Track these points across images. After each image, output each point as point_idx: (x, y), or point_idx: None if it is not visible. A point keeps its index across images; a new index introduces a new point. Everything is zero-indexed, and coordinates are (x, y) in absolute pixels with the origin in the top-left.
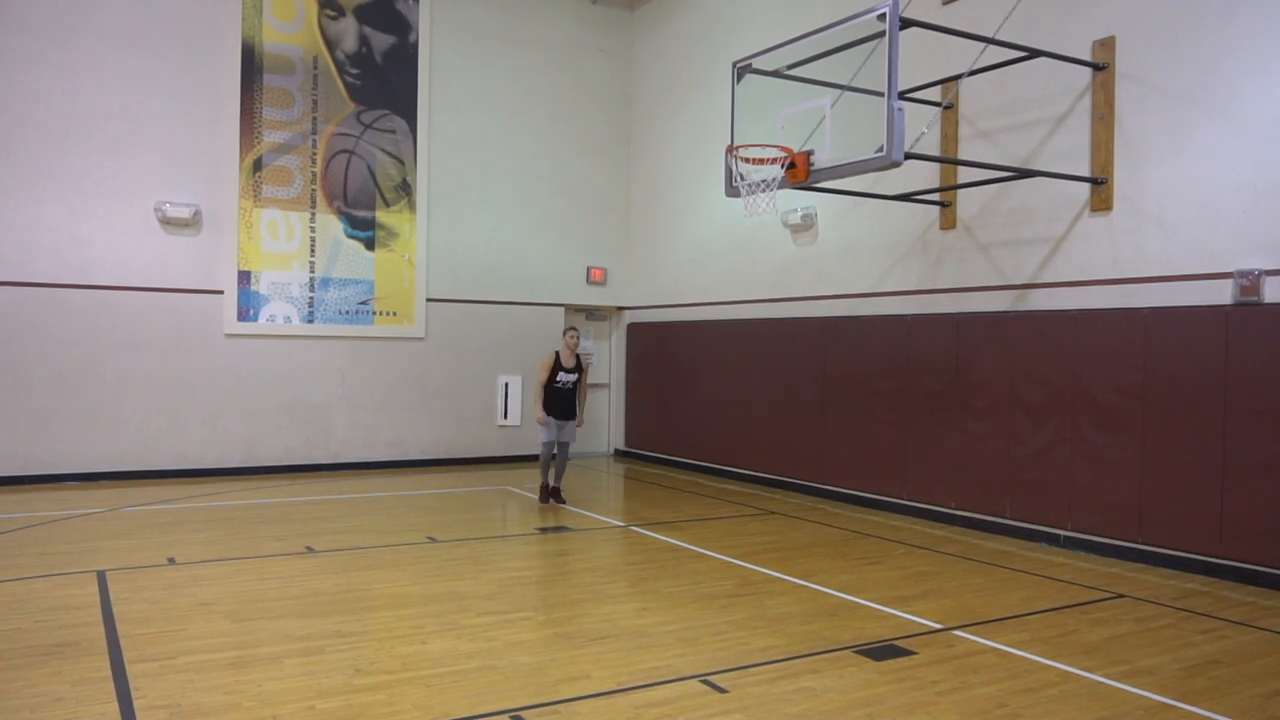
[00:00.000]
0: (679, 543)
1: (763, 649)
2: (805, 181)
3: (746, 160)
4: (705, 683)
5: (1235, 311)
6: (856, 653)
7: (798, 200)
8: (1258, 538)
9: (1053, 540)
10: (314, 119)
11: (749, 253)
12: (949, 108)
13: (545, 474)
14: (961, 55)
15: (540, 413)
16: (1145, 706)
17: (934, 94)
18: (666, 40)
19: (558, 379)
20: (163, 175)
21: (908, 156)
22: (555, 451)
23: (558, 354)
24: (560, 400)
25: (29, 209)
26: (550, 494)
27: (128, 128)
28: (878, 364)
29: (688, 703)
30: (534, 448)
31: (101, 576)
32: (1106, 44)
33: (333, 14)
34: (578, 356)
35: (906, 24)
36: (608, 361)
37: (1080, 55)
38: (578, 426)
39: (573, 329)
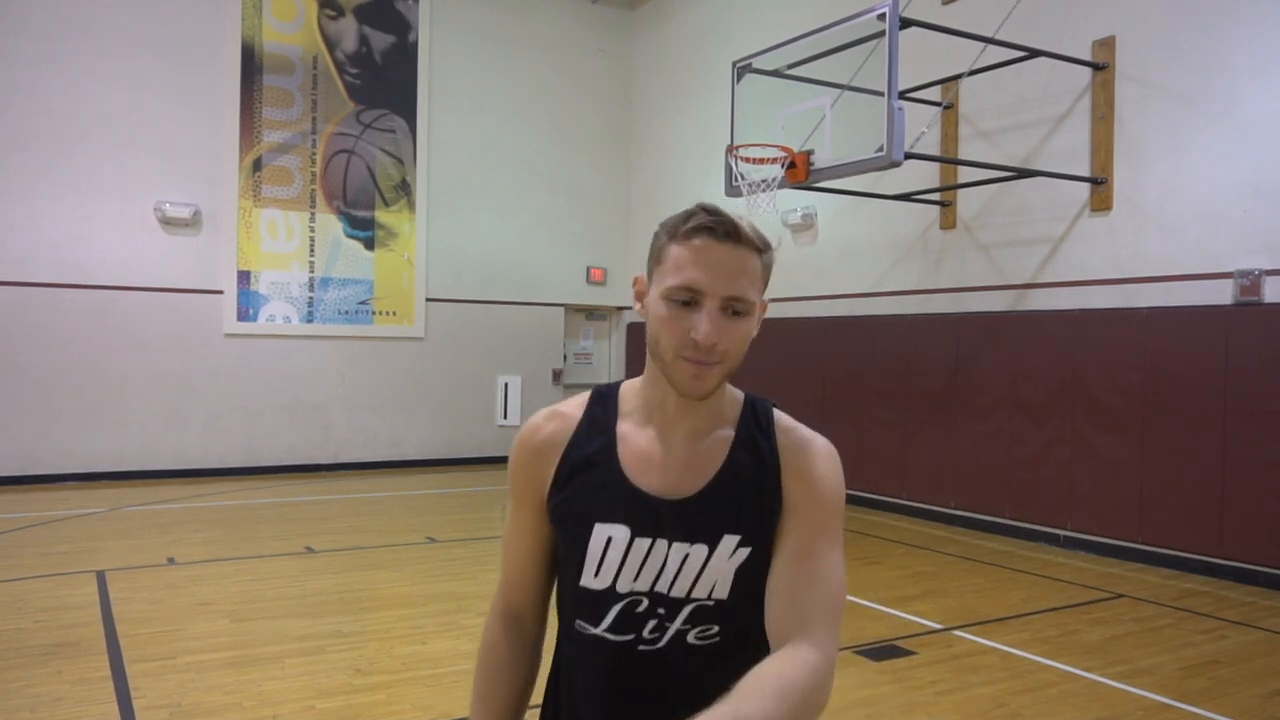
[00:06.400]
0: None
1: None
2: (805, 181)
3: (746, 160)
4: None
5: (1235, 311)
6: (856, 653)
7: (798, 200)
8: (1258, 538)
9: (1053, 540)
10: (314, 119)
11: None
12: (949, 108)
13: None
14: (961, 55)
15: None
16: (1145, 706)
17: (934, 94)
18: (666, 40)
19: (590, 559)
20: (162, 175)
21: (908, 156)
22: None
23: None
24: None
25: (29, 209)
26: None
27: (128, 128)
28: (878, 364)
29: None
30: None
31: (101, 576)
32: (1106, 44)
33: (332, 14)
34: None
35: (906, 24)
36: (608, 362)
37: (1080, 55)
38: None
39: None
